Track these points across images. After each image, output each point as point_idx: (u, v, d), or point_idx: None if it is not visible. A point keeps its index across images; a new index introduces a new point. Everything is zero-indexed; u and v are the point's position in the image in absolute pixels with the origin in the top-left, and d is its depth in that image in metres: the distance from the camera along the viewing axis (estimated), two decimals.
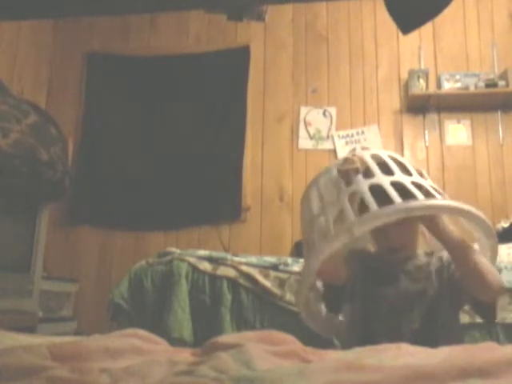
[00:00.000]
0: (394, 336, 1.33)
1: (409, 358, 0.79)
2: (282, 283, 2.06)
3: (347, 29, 3.85)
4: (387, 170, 1.33)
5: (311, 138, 3.70)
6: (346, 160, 1.42)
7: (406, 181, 1.30)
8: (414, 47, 3.73)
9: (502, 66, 3.55)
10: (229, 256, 2.22)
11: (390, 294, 1.44)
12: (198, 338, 1.99)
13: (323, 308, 1.63)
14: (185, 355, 0.88)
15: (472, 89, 3.43)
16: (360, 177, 1.33)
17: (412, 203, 1.23)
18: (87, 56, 4.03)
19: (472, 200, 3.42)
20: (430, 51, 3.71)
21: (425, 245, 1.59)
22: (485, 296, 1.33)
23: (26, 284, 2.56)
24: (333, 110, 3.73)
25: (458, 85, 3.52)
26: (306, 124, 3.73)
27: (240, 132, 3.73)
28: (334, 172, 1.44)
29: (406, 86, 3.62)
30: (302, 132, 3.72)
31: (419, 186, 1.31)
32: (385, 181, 1.29)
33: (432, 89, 3.54)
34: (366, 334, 1.43)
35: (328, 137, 3.69)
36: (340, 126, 3.69)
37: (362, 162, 1.39)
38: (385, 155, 1.40)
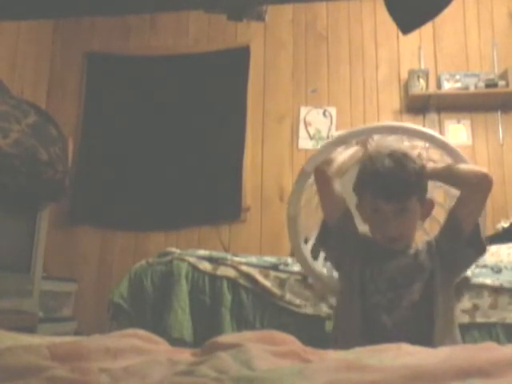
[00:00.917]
0: (394, 308, 1.41)
1: (409, 357, 0.79)
2: (282, 283, 2.06)
3: (347, 29, 3.85)
4: None
5: (311, 138, 3.70)
6: None
7: None
8: (413, 47, 3.72)
9: (502, 66, 3.55)
10: (229, 256, 2.21)
11: (391, 269, 1.48)
12: (197, 338, 1.99)
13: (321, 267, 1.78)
14: (185, 355, 0.88)
15: (472, 89, 3.43)
16: None
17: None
18: (87, 56, 4.03)
19: None
20: (430, 51, 3.71)
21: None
22: (481, 187, 1.46)
23: (26, 284, 2.56)
24: (333, 110, 3.73)
25: (458, 85, 3.52)
26: (306, 124, 3.73)
27: (240, 132, 3.73)
28: None
29: (406, 86, 3.62)
30: (302, 132, 3.72)
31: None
32: None
33: (432, 89, 3.54)
34: (365, 307, 1.46)
35: (328, 137, 3.68)
36: (340, 126, 3.69)
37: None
38: None
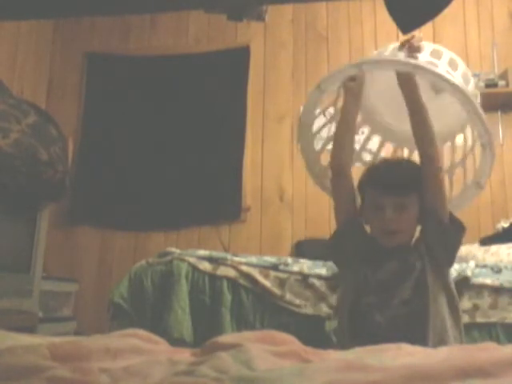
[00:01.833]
0: (386, 307, 1.46)
1: (409, 358, 0.80)
2: (282, 283, 2.06)
3: (347, 29, 3.85)
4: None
5: None
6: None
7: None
8: None
9: (502, 66, 3.55)
10: (229, 256, 2.21)
11: (384, 271, 1.53)
12: (197, 338, 1.99)
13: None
14: (185, 355, 0.88)
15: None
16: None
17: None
18: (87, 56, 4.03)
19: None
20: None
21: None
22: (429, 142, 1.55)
23: (25, 284, 2.57)
24: (333, 110, 3.72)
25: None
26: None
27: (240, 132, 3.73)
28: None
29: None
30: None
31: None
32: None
33: None
34: (359, 307, 1.51)
35: (328, 137, 3.68)
36: None
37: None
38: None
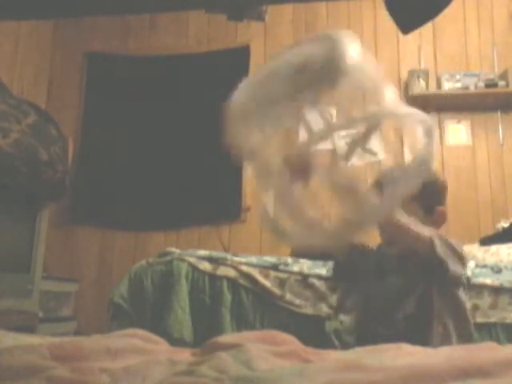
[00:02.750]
0: (389, 321, 1.45)
1: (409, 358, 0.80)
2: (282, 283, 2.06)
3: (347, 29, 3.84)
4: None
5: None
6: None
7: None
8: (413, 47, 3.72)
9: (502, 66, 3.55)
10: (229, 256, 2.22)
11: (388, 287, 1.52)
12: (197, 338, 1.99)
13: None
14: (185, 355, 0.88)
15: (472, 89, 3.43)
16: None
17: None
18: (87, 56, 4.03)
19: (472, 200, 3.42)
20: (430, 51, 3.71)
21: None
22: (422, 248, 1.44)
23: (25, 284, 2.56)
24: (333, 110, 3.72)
25: (458, 85, 3.52)
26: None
27: None
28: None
29: (406, 86, 3.61)
30: (302, 132, 3.71)
31: None
32: None
33: (432, 89, 3.54)
34: (365, 320, 1.53)
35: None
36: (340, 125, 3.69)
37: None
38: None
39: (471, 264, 2.06)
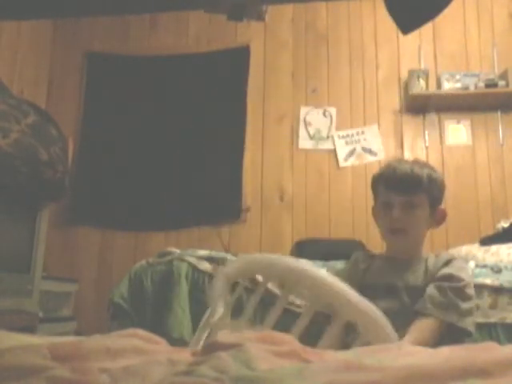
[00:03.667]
0: None
1: (409, 358, 0.79)
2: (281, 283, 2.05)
3: (347, 29, 3.85)
4: None
5: (311, 138, 3.71)
6: None
7: None
8: (413, 47, 3.72)
9: (502, 66, 3.55)
10: (229, 256, 2.21)
11: (384, 308, 1.44)
12: None
13: None
14: (185, 355, 0.88)
15: (472, 89, 3.43)
16: None
17: None
18: (87, 56, 4.03)
19: (472, 200, 3.42)
20: (430, 51, 3.71)
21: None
22: None
23: (25, 284, 2.56)
24: (333, 110, 3.73)
25: (458, 85, 3.52)
26: (306, 124, 3.73)
27: (240, 132, 3.73)
28: None
29: (406, 86, 3.62)
30: (302, 132, 3.72)
31: None
32: None
33: (432, 89, 3.54)
34: None
35: (328, 137, 3.69)
36: (340, 126, 3.69)
37: None
38: None
39: (471, 264, 2.06)
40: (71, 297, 3.35)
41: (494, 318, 1.82)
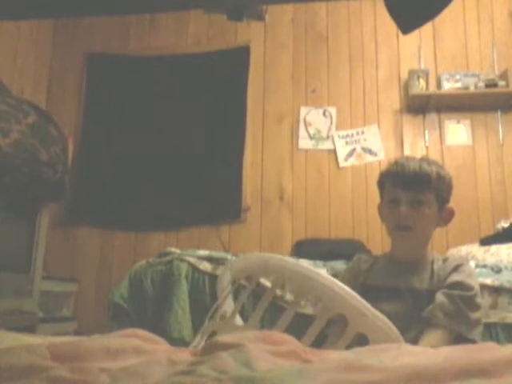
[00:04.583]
0: None
1: (409, 357, 0.79)
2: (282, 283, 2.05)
3: (347, 29, 3.85)
4: None
5: (311, 137, 3.71)
6: None
7: None
8: (413, 47, 3.73)
9: (502, 65, 3.55)
10: (229, 256, 2.21)
11: (387, 311, 1.42)
12: None
13: None
14: (185, 355, 0.88)
15: (472, 89, 3.43)
16: None
17: None
18: (87, 56, 4.03)
19: (472, 200, 3.42)
20: (430, 51, 3.71)
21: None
22: None
23: (25, 284, 2.56)
24: (333, 110, 3.73)
25: (458, 85, 3.52)
26: (306, 124, 3.73)
27: (240, 132, 3.73)
28: None
29: (406, 86, 3.62)
30: (302, 132, 3.72)
31: None
32: None
33: (432, 89, 3.55)
34: None
35: (328, 137, 3.69)
36: (340, 126, 3.69)
37: None
38: None
39: (471, 264, 2.06)
40: (71, 297, 3.35)
41: (494, 318, 1.82)
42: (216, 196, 3.63)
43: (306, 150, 3.69)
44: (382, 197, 1.61)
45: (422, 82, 3.52)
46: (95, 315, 3.30)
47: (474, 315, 1.41)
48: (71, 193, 3.50)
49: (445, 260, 1.53)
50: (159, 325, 1.99)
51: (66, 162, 2.65)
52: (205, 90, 3.84)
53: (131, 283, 2.15)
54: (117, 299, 2.11)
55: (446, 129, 3.60)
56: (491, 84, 3.41)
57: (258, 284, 2.07)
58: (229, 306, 1.42)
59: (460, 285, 1.43)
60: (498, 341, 1.73)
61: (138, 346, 0.87)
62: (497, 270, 1.97)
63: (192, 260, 2.13)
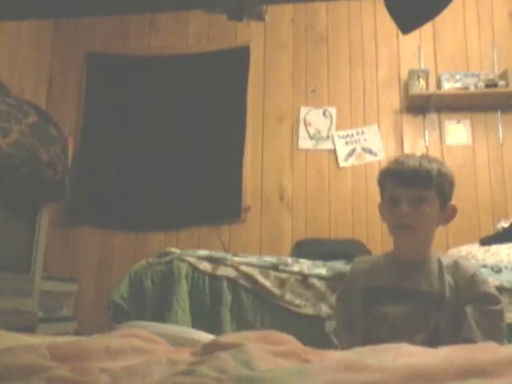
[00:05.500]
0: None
1: (409, 357, 0.79)
2: (281, 283, 2.06)
3: (347, 29, 3.85)
4: None
5: (311, 138, 3.71)
6: None
7: None
8: (413, 47, 3.73)
9: (502, 66, 3.55)
10: (229, 256, 2.21)
11: (394, 315, 1.41)
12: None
13: None
14: (185, 355, 0.88)
15: (472, 89, 3.43)
16: None
17: None
18: (87, 56, 4.03)
19: (472, 200, 3.42)
20: (430, 51, 3.71)
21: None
22: None
23: (25, 284, 2.56)
24: (333, 110, 3.73)
25: (458, 85, 3.52)
26: (306, 124, 3.73)
27: (240, 132, 3.73)
28: None
29: (406, 86, 3.62)
30: (302, 132, 3.72)
31: None
32: None
33: (432, 89, 3.54)
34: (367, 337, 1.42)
35: (328, 137, 3.69)
36: (340, 126, 3.69)
37: None
38: None
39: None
40: (71, 297, 3.35)
41: None
42: (216, 196, 3.63)
43: (306, 150, 3.68)
44: (382, 196, 1.58)
45: (422, 82, 3.52)
46: (95, 315, 3.29)
47: (505, 326, 1.39)
48: (71, 193, 3.50)
49: (456, 263, 1.47)
50: None
51: (66, 162, 2.65)
52: (205, 90, 3.84)
53: (131, 283, 2.15)
54: (117, 299, 2.11)
55: (446, 129, 3.60)
56: (491, 84, 3.41)
57: (257, 283, 2.07)
58: None
59: (488, 297, 1.40)
60: None
61: (138, 346, 0.87)
62: (497, 269, 1.98)
63: (192, 260, 2.14)
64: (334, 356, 0.85)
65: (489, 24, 3.69)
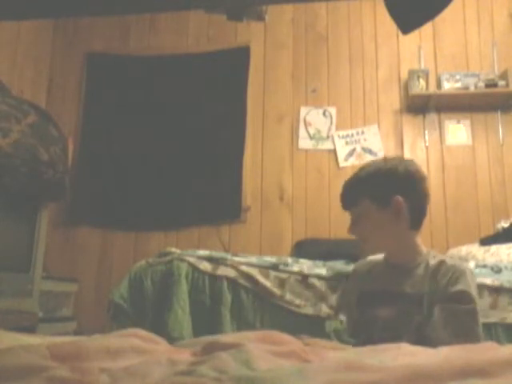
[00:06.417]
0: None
1: (409, 357, 0.79)
2: (281, 283, 2.06)
3: (347, 29, 3.85)
4: None
5: (311, 138, 3.71)
6: None
7: None
8: (413, 47, 3.73)
9: (502, 66, 3.55)
10: (229, 256, 2.21)
11: (382, 316, 1.44)
12: (197, 338, 1.99)
13: None
14: (185, 355, 0.88)
15: (472, 89, 3.43)
16: None
17: None
18: (87, 56, 4.03)
19: (472, 200, 3.42)
20: (430, 51, 3.71)
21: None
22: None
23: (25, 284, 2.56)
24: (333, 110, 3.73)
25: (458, 85, 3.52)
26: (306, 124, 3.73)
27: (240, 132, 3.73)
28: None
29: (406, 86, 3.62)
30: (302, 132, 3.72)
31: None
32: None
33: (432, 89, 3.54)
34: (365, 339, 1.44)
35: (328, 137, 3.69)
36: (340, 125, 3.69)
37: None
38: None
39: (471, 264, 2.06)
40: (71, 297, 3.34)
41: (494, 318, 1.82)
42: (216, 196, 3.63)
43: (306, 150, 3.68)
44: None
45: (422, 82, 3.52)
46: (95, 315, 3.29)
47: (479, 329, 1.34)
48: (71, 193, 3.50)
49: (442, 262, 1.44)
50: (159, 325, 1.99)
51: (66, 162, 2.66)
52: (205, 89, 3.84)
53: (131, 283, 2.15)
54: (117, 299, 2.11)
55: (446, 129, 3.60)
56: (491, 84, 3.41)
57: (258, 283, 2.07)
58: None
59: (461, 295, 1.36)
60: (498, 341, 1.73)
61: (138, 345, 0.87)
62: (497, 269, 1.98)
63: (192, 260, 2.13)
64: (334, 356, 0.85)
65: (489, 24, 3.69)
